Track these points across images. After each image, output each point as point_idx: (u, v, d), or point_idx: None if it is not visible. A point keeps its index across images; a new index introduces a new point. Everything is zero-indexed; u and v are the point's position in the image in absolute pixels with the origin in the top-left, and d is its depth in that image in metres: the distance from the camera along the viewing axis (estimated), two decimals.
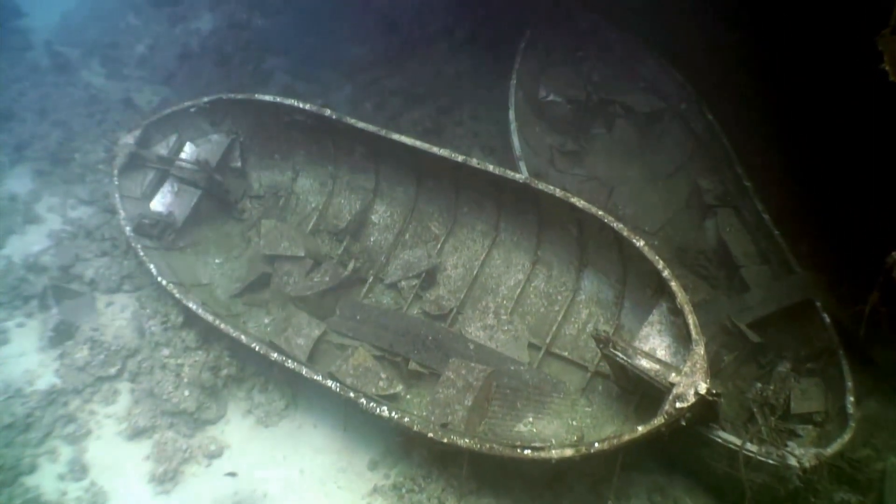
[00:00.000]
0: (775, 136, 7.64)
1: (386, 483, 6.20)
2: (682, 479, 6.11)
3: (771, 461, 5.14)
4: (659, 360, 5.22)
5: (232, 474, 6.25)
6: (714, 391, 4.80)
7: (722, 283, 7.22)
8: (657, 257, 5.66)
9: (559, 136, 8.98)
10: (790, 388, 6.01)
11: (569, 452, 5.00)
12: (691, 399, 4.79)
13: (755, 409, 5.94)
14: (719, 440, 5.27)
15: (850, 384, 5.70)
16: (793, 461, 5.10)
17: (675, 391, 4.86)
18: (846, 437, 5.33)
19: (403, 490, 6.08)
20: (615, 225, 5.95)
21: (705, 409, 5.02)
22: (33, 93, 9.91)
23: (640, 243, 5.76)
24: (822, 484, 5.68)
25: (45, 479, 6.16)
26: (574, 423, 5.98)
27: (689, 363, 4.97)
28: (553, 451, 5.05)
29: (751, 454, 5.16)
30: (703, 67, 8.51)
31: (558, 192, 6.29)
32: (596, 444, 4.97)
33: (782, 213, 7.14)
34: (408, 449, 6.33)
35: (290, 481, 6.29)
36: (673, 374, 4.96)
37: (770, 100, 7.60)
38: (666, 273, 5.53)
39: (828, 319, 6.20)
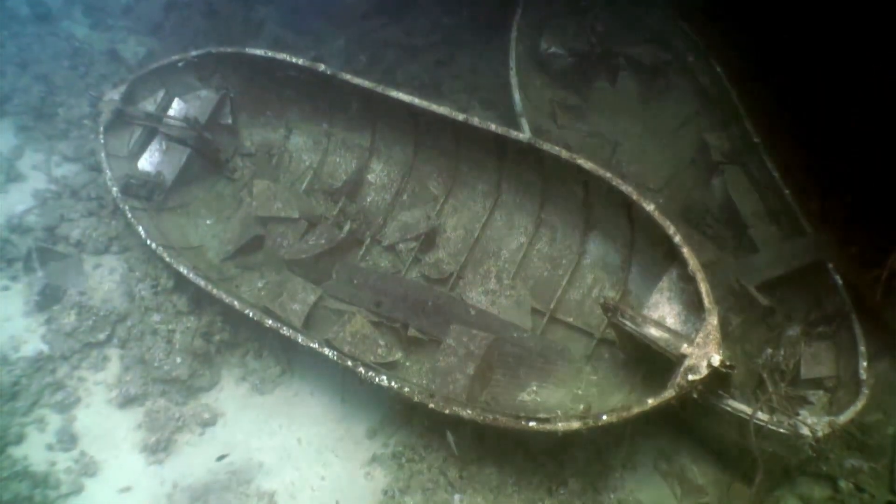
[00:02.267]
0: (787, 90, 7.35)
1: (385, 452, 6.08)
2: (689, 446, 6.02)
3: (782, 430, 5.00)
4: (669, 329, 5.06)
5: (223, 457, 6.09)
6: (728, 363, 4.64)
7: (729, 243, 7.02)
8: (668, 222, 5.44)
9: (561, 91, 8.73)
10: (800, 353, 5.87)
11: (575, 425, 4.86)
12: (704, 371, 4.63)
13: (765, 375, 5.77)
14: (729, 409, 5.10)
15: (862, 349, 5.54)
16: (805, 430, 4.95)
17: (686, 363, 4.70)
18: (859, 404, 5.19)
19: (403, 459, 5.98)
20: (624, 188, 5.71)
21: (718, 381, 4.86)
22: (12, 44, 9.49)
23: (651, 207, 5.53)
24: (833, 452, 5.61)
25: (33, 449, 6.01)
26: (579, 391, 5.83)
27: (701, 333, 4.80)
28: (559, 424, 4.90)
29: (761, 423, 5.01)
30: (711, 17, 8.21)
31: (564, 153, 6.03)
32: (604, 417, 4.83)
33: (793, 171, 6.89)
34: (407, 417, 6.19)
35: (286, 450, 6.17)
36: (685, 345, 4.79)
37: (781, 52, 7.31)
38: (678, 238, 5.32)
39: (840, 282, 6.01)
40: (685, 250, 5.24)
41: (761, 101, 7.52)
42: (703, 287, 5.01)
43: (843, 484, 5.60)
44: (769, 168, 6.92)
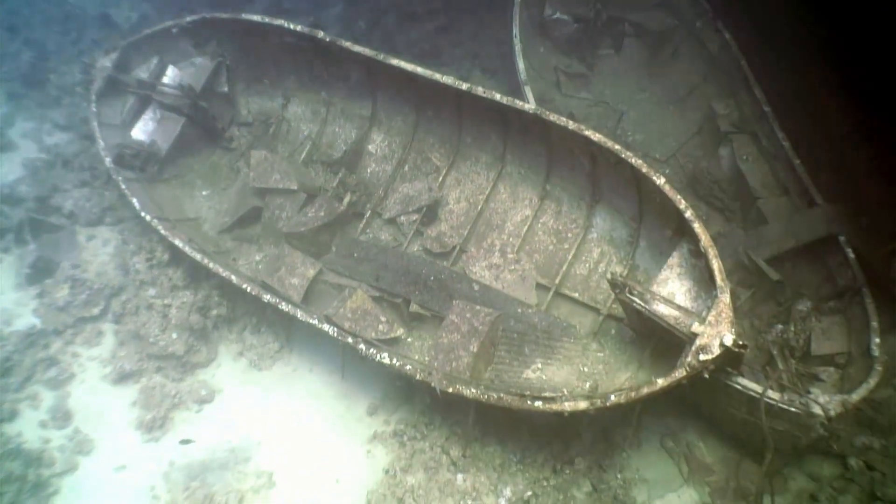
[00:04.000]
0: (797, 56, 7.13)
1: (386, 430, 5.99)
2: (696, 424, 5.93)
3: (794, 409, 4.87)
4: (679, 307, 4.91)
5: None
6: (741, 342, 4.48)
7: (737, 215, 6.89)
8: (679, 196, 5.26)
9: (565, 58, 8.57)
10: (811, 328, 5.73)
11: (583, 405, 4.73)
12: (716, 351, 4.48)
13: (775, 352, 5.65)
14: (738, 387, 4.98)
15: (875, 324, 5.40)
16: (817, 409, 4.83)
17: (698, 342, 4.55)
18: (872, 381, 5.06)
19: (405, 437, 5.89)
20: (633, 160, 5.52)
21: (730, 361, 4.72)
22: (2, 8, 9.28)
23: (661, 181, 5.35)
24: (844, 430, 5.50)
25: (27, 426, 5.92)
26: (585, 369, 5.70)
27: (713, 312, 4.64)
28: (566, 404, 4.77)
29: (772, 402, 4.89)
30: None
31: (571, 124, 5.83)
32: (612, 397, 4.69)
33: (803, 141, 6.70)
34: (409, 394, 6.10)
35: (285, 428, 6.06)
36: (696, 324, 4.63)
37: (792, 17, 7.08)
38: (689, 213, 5.14)
39: (851, 255, 5.86)
40: (696, 225, 5.06)
41: (771, 68, 7.32)
42: (716, 264, 4.84)
43: (853, 462, 5.52)
44: (779, 137, 6.76)
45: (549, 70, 8.31)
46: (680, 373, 4.52)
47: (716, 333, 4.53)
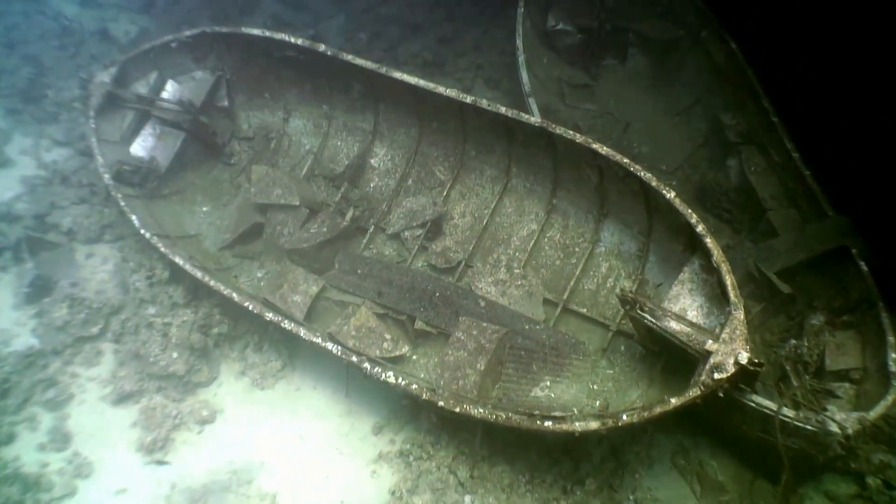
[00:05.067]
0: (806, 66, 7.01)
1: (392, 449, 5.86)
2: (707, 441, 5.81)
3: (810, 427, 4.77)
4: (692, 324, 4.80)
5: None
6: (756, 360, 4.38)
7: (746, 227, 6.79)
8: (690, 210, 5.17)
9: (569, 69, 8.54)
10: (824, 343, 5.62)
11: (594, 425, 4.63)
12: (731, 369, 4.38)
13: (788, 368, 5.55)
14: (752, 404, 4.87)
15: (891, 339, 5.27)
16: (834, 427, 4.73)
17: (712, 360, 4.44)
18: (890, 397, 4.94)
19: (411, 458, 5.76)
20: (642, 174, 5.43)
21: (745, 379, 4.61)
22: None
23: (671, 195, 5.25)
24: (861, 448, 5.39)
25: (25, 449, 5.78)
26: (595, 387, 5.59)
27: (727, 329, 4.54)
28: (577, 424, 4.67)
29: (787, 419, 4.79)
30: None
31: (578, 137, 5.74)
32: (624, 416, 4.59)
33: (813, 152, 6.61)
34: (415, 412, 5.98)
35: (288, 448, 5.94)
36: (710, 341, 4.53)
37: (800, 26, 6.97)
38: (700, 228, 5.05)
39: (865, 267, 5.76)
40: (709, 240, 4.97)
41: (779, 77, 7.22)
42: (729, 279, 4.75)
43: (870, 481, 5.39)
44: (788, 148, 6.67)
45: (552, 81, 8.24)
46: (694, 392, 4.41)
47: (730, 351, 4.43)
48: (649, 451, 5.76)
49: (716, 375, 4.37)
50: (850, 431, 4.71)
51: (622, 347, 5.85)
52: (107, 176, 6.61)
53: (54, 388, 6.09)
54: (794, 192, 6.55)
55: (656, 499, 5.55)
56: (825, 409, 4.91)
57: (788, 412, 4.81)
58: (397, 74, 6.43)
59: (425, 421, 5.89)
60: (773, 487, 5.35)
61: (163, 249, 6.19)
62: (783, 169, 6.72)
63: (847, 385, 5.41)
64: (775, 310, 6.01)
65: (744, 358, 4.36)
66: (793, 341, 5.73)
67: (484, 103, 6.10)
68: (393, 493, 5.58)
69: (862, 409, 4.89)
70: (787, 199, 6.59)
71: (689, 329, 4.74)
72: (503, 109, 6.03)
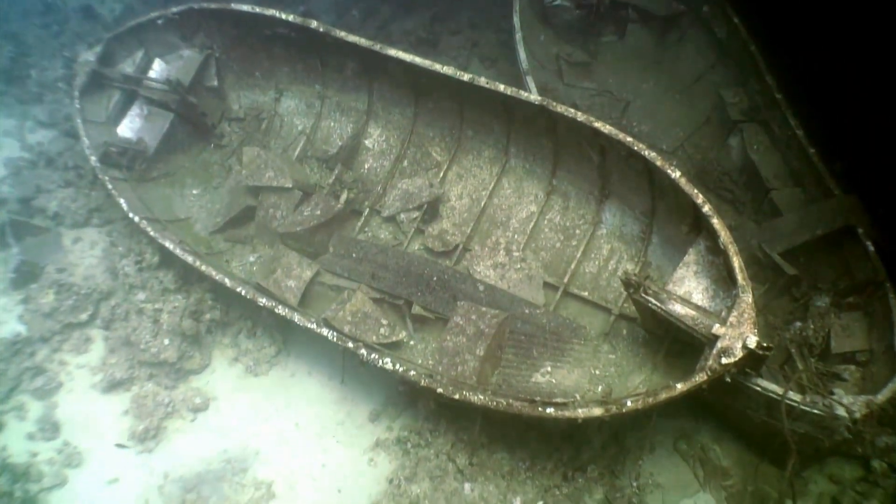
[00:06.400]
0: (811, 42, 6.88)
1: (389, 437, 5.80)
2: (710, 426, 5.75)
3: (816, 411, 4.67)
4: (697, 307, 4.70)
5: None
6: (765, 344, 4.27)
7: (749, 207, 6.70)
8: (696, 191, 5.04)
9: (567, 46, 8.34)
10: (830, 325, 5.52)
11: (597, 412, 4.54)
12: (739, 354, 4.29)
13: (793, 350, 5.44)
14: (758, 388, 4.77)
15: None
16: (841, 411, 4.64)
17: (719, 345, 4.34)
18: None
19: (409, 445, 5.70)
20: (647, 153, 5.29)
21: (752, 363, 4.51)
22: None
23: (676, 174, 5.12)
24: (869, 432, 5.31)
25: (13, 439, 5.71)
26: (597, 372, 5.49)
27: (735, 312, 4.44)
28: (580, 410, 4.57)
29: (794, 403, 4.68)
30: None
31: (580, 116, 5.60)
32: (628, 403, 4.49)
33: (818, 129, 6.48)
34: (412, 399, 5.89)
35: (283, 436, 5.87)
36: (717, 325, 4.42)
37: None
38: (707, 209, 4.92)
39: (871, 247, 5.65)
40: (715, 221, 4.85)
41: (783, 53, 7.06)
42: (736, 261, 4.64)
43: (876, 464, 5.34)
44: (792, 126, 6.54)
45: (550, 59, 8.08)
46: (701, 377, 4.32)
47: (738, 335, 4.34)
48: (651, 435, 5.66)
49: (723, 360, 4.28)
50: (857, 415, 4.62)
51: (624, 331, 5.76)
52: (93, 158, 6.47)
53: (43, 376, 6.00)
54: (799, 171, 6.44)
55: (659, 484, 5.50)
56: (832, 393, 4.82)
57: (794, 396, 4.71)
58: (392, 52, 6.27)
59: (423, 408, 5.80)
60: (777, 471, 5.29)
61: (152, 233, 6.06)
62: (787, 147, 6.60)
63: (853, 368, 5.33)
64: (779, 292, 5.93)
65: (752, 342, 4.26)
66: (798, 323, 5.65)
67: (482, 81, 5.95)
68: (391, 480, 5.51)
69: (869, 392, 4.81)
70: (790, 178, 6.49)
71: (694, 313, 4.64)
72: (502, 87, 5.89)
